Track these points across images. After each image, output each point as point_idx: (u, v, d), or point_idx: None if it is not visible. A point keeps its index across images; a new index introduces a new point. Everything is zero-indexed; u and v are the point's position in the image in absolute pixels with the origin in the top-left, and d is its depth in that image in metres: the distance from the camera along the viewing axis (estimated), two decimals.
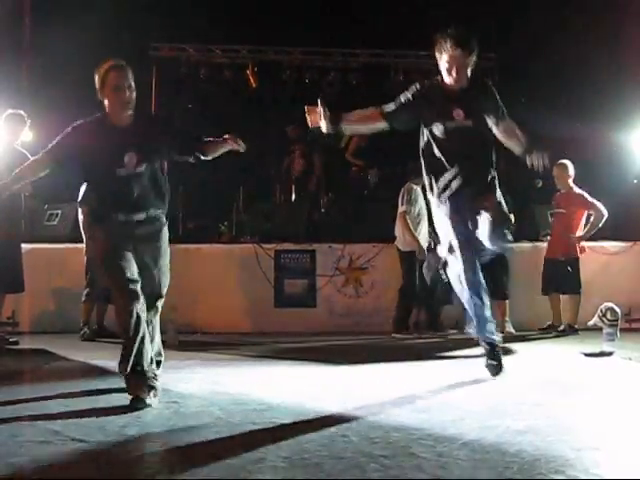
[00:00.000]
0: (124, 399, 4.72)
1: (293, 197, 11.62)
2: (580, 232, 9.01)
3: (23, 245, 8.20)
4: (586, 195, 9.02)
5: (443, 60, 5.20)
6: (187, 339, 8.28)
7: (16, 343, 7.95)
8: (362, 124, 5.38)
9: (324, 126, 5.20)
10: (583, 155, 10.56)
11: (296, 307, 9.82)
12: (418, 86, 5.38)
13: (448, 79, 5.24)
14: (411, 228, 8.90)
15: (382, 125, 5.34)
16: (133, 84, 4.78)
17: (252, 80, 13.57)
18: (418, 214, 8.98)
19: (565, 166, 9.16)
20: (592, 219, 8.97)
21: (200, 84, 13.41)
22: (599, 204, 8.93)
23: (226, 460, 3.30)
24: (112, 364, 6.30)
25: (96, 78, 4.85)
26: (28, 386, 5.49)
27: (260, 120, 12.78)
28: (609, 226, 9.32)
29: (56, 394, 4.96)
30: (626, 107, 11.15)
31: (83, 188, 8.63)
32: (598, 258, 9.69)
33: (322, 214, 11.19)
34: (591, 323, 7.44)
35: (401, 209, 9.00)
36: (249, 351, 7.72)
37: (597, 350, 7.02)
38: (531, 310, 9.60)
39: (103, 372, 6.11)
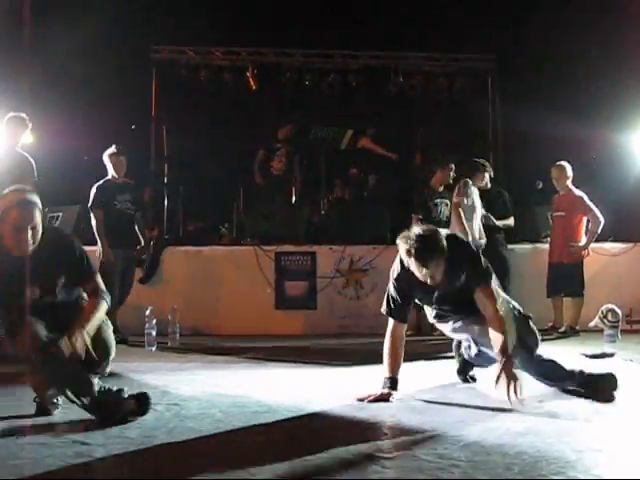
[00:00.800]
0: None
1: (293, 199, 11.61)
2: (581, 240, 8.99)
3: None
4: (585, 198, 9.00)
5: (413, 268, 4.76)
6: (188, 341, 8.29)
7: None
8: (401, 348, 5.21)
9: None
10: (584, 156, 10.58)
11: (297, 309, 9.82)
12: (397, 279, 5.05)
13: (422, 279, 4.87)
14: (463, 218, 8.85)
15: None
16: (38, 222, 4.31)
17: (252, 82, 13.58)
18: (472, 206, 8.96)
19: (563, 167, 9.16)
20: (590, 226, 8.96)
21: (200, 86, 13.41)
22: (596, 210, 8.90)
23: (227, 462, 3.30)
24: (114, 366, 6.32)
25: None
26: (28, 388, 5.48)
27: (260, 122, 12.78)
28: (610, 227, 9.33)
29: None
30: (627, 108, 11.16)
31: (93, 191, 8.67)
32: (599, 259, 9.68)
33: (322, 216, 11.19)
34: (592, 324, 7.44)
35: (455, 200, 8.95)
36: (250, 353, 7.71)
37: (598, 351, 7.02)
38: (532, 311, 9.58)
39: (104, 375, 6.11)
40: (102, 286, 4.61)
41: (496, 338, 4.69)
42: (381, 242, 9.84)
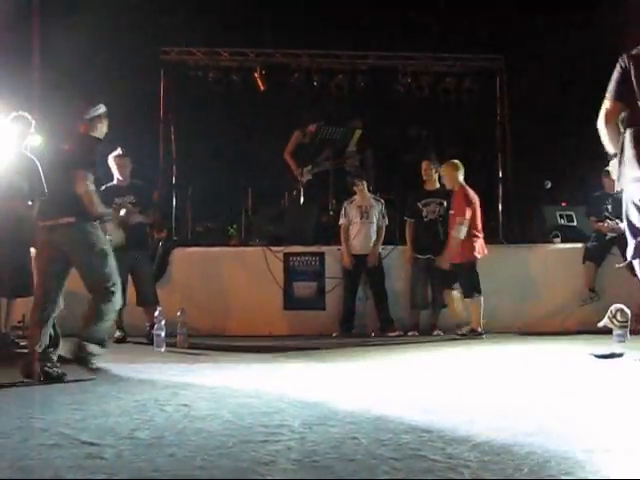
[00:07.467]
0: (134, 402, 4.75)
1: (301, 200, 11.61)
2: None
3: (32, 249, 8.21)
4: None
5: None
6: (197, 342, 8.30)
7: (26, 347, 7.96)
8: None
9: None
10: (594, 156, 10.54)
11: (305, 310, 9.82)
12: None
13: None
14: None
15: None
16: None
17: (260, 83, 13.59)
18: None
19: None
20: None
21: (208, 87, 13.43)
22: None
23: (236, 463, 3.30)
24: (121, 367, 6.35)
25: None
26: (38, 390, 5.50)
27: (268, 123, 12.79)
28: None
29: (66, 398, 4.97)
30: None
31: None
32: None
33: (331, 217, 11.20)
34: (601, 324, 7.42)
35: None
36: (259, 354, 7.72)
37: (607, 351, 6.99)
38: (541, 311, 9.64)
39: (113, 375, 6.13)
40: None
41: None
42: (389, 242, 9.85)
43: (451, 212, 9.12)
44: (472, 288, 8.90)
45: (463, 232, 8.84)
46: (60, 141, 6.42)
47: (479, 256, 8.95)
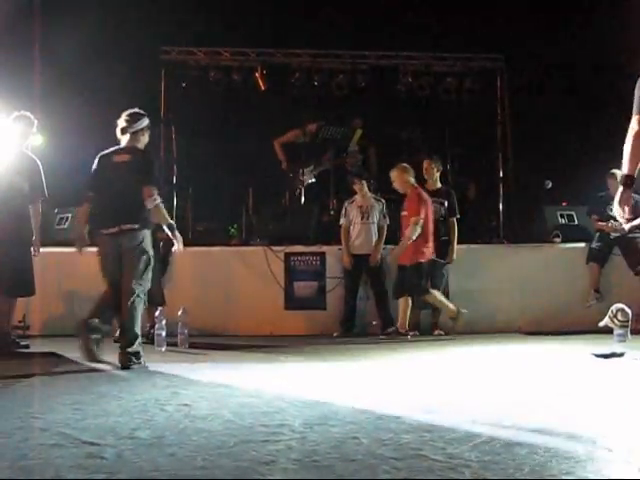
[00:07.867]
0: (135, 402, 4.74)
1: (302, 200, 11.61)
2: None
3: (32, 249, 8.21)
4: None
5: None
6: (197, 342, 8.30)
7: (27, 347, 7.97)
8: None
9: None
10: (593, 159, 10.56)
11: (306, 309, 9.83)
12: None
13: None
14: None
15: None
16: None
17: (261, 83, 13.58)
18: None
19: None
20: None
21: (209, 87, 13.43)
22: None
23: (237, 463, 3.30)
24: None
25: None
26: (39, 389, 5.50)
27: (269, 123, 12.79)
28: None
29: (67, 397, 4.97)
30: None
31: None
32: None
33: (332, 216, 11.19)
34: (602, 324, 7.42)
35: None
36: (259, 353, 7.72)
37: (608, 351, 6.99)
38: (542, 310, 9.63)
39: (113, 375, 6.13)
40: None
41: None
42: (389, 242, 9.84)
43: (404, 213, 9.15)
44: (423, 289, 8.94)
45: (417, 232, 8.87)
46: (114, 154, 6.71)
47: (427, 259, 9.00)
